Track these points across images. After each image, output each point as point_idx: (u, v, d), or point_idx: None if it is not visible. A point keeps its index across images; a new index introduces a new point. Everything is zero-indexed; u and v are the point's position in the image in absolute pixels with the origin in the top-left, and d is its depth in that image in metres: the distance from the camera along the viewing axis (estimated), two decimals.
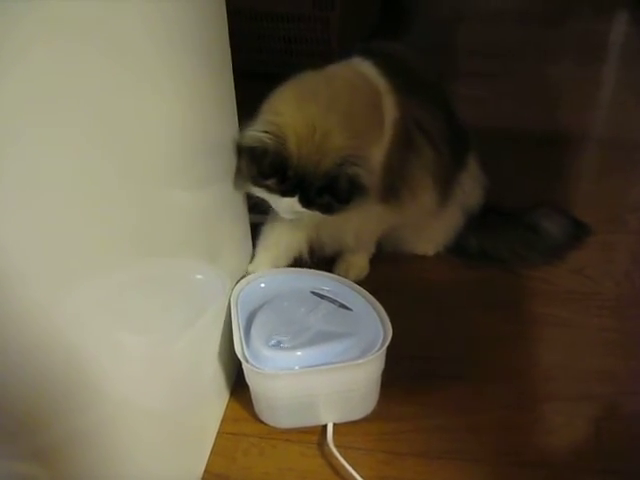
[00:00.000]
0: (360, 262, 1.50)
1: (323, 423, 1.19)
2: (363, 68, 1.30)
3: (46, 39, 0.63)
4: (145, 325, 0.90)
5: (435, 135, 1.35)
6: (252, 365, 1.10)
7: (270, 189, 1.19)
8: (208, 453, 1.17)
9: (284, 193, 1.19)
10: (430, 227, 1.52)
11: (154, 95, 0.87)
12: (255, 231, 1.36)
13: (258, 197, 1.24)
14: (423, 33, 2.71)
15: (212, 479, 1.13)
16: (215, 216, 1.16)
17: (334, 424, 1.18)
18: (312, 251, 1.42)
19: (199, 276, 1.11)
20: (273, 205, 1.24)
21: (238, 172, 1.20)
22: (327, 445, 1.15)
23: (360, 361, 1.10)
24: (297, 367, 1.11)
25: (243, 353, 1.12)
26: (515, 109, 2.18)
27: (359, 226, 1.40)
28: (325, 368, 1.10)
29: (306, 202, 1.19)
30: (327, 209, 1.21)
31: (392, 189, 1.32)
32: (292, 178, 1.16)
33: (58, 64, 0.65)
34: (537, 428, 1.19)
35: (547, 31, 2.74)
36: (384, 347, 1.12)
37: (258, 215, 1.32)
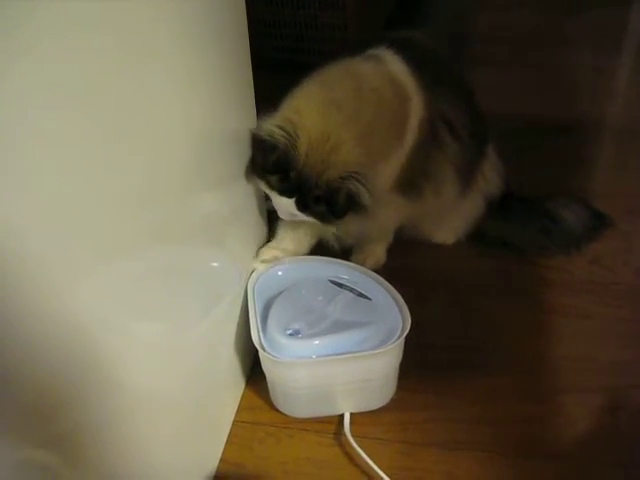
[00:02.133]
0: (378, 251, 1.49)
1: (340, 413, 1.18)
2: (392, 66, 1.26)
3: (63, 35, 0.62)
4: (161, 313, 0.90)
5: (459, 127, 1.34)
6: (269, 353, 1.09)
7: (271, 185, 1.18)
8: (224, 442, 1.16)
9: (282, 192, 1.17)
10: (451, 215, 1.51)
11: (171, 88, 0.87)
12: (271, 218, 1.34)
13: None
14: (440, 21, 2.69)
15: (228, 468, 1.13)
16: (232, 205, 1.16)
17: (351, 414, 1.17)
18: (339, 238, 1.40)
19: (215, 264, 1.10)
20: (273, 202, 1.23)
21: (250, 161, 1.19)
22: (344, 435, 1.14)
23: (378, 350, 1.09)
24: (314, 356, 1.10)
25: (260, 341, 1.11)
26: (533, 97, 2.15)
27: (378, 217, 1.38)
28: (343, 357, 1.09)
29: (302, 206, 1.17)
30: (322, 218, 1.19)
31: (413, 184, 1.31)
32: (293, 180, 1.15)
33: (77, 59, 0.65)
34: (554, 420, 1.18)
35: (565, 19, 2.70)
36: (402, 337, 1.11)
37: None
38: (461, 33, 2.62)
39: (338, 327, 1.13)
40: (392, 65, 1.27)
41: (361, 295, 1.20)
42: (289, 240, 1.35)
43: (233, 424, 1.19)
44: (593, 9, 2.74)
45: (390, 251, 1.51)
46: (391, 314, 1.16)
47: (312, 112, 1.16)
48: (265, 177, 1.18)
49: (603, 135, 2.00)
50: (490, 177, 1.49)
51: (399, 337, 1.11)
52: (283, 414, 1.20)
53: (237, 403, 1.22)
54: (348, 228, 1.31)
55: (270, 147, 1.13)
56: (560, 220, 1.53)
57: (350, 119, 1.15)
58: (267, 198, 1.27)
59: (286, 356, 1.10)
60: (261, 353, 1.10)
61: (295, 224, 1.33)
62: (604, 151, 1.94)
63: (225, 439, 1.17)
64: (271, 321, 1.13)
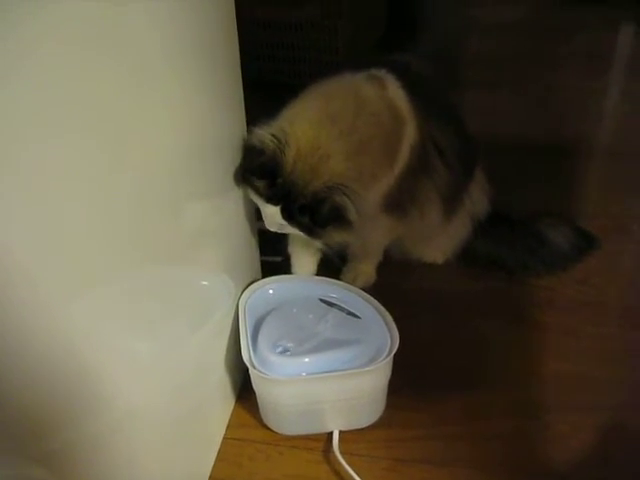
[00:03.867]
0: (367, 270, 1.51)
1: (329, 430, 1.19)
2: (392, 92, 1.28)
3: (56, 46, 0.64)
4: (151, 330, 0.91)
5: (448, 152, 1.37)
6: (258, 371, 1.10)
7: (258, 192, 1.18)
8: (214, 458, 1.17)
9: (269, 199, 1.17)
10: (439, 236, 1.53)
11: (163, 102, 0.87)
12: (262, 238, 1.36)
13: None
14: (429, 44, 2.72)
15: None
16: (222, 223, 1.17)
17: (340, 431, 1.18)
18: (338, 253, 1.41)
19: (205, 282, 1.12)
20: (261, 211, 1.23)
21: (239, 166, 1.20)
22: (333, 452, 1.15)
23: (367, 369, 1.10)
24: (304, 374, 1.11)
25: (250, 359, 1.12)
26: (522, 119, 2.19)
27: (365, 236, 1.40)
28: (332, 375, 1.10)
29: (287, 216, 1.18)
30: (306, 230, 1.19)
31: (400, 206, 1.33)
32: (279, 187, 1.15)
33: (67, 70, 0.65)
34: (543, 437, 1.19)
35: (555, 42, 2.74)
36: (391, 355, 1.12)
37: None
38: (450, 56, 2.65)
39: (328, 345, 1.14)
40: (392, 90, 1.29)
41: (350, 314, 1.22)
42: (302, 266, 1.40)
43: (223, 441, 1.20)
44: (582, 32, 2.79)
45: (380, 270, 1.52)
46: (380, 332, 1.17)
47: (305, 122, 1.17)
48: (252, 183, 1.18)
49: (591, 156, 2.02)
50: (477, 199, 1.52)
51: (387, 355, 1.12)
52: (273, 431, 1.21)
53: (227, 420, 1.23)
54: (331, 243, 1.30)
55: (258, 151, 1.14)
56: (547, 241, 1.55)
57: (343, 134, 1.16)
58: (259, 219, 1.28)
59: (276, 374, 1.11)
60: (251, 371, 1.11)
61: (301, 249, 1.38)
62: (592, 172, 1.96)
63: (215, 456, 1.17)
64: (261, 339, 1.14)
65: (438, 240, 1.54)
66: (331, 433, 1.18)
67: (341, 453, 1.14)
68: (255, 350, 1.14)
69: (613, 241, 1.61)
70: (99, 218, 0.74)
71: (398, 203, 1.32)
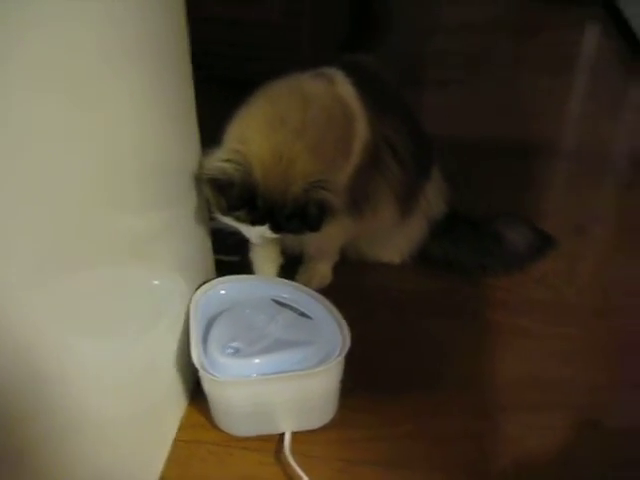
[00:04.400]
0: (323, 270, 1.50)
1: (281, 431, 1.18)
2: (341, 88, 1.28)
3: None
4: (100, 330, 0.90)
5: (402, 151, 1.36)
6: (208, 373, 1.09)
7: (240, 219, 1.18)
8: (164, 460, 1.15)
9: (254, 222, 1.17)
10: (394, 236, 1.52)
11: (106, 100, 0.86)
12: (216, 236, 1.34)
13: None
14: (392, 43, 2.71)
15: None
16: (173, 222, 1.15)
17: (292, 432, 1.17)
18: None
19: (156, 282, 1.10)
20: (244, 232, 1.23)
21: (211, 203, 1.20)
22: (284, 453, 1.14)
23: (317, 369, 1.10)
24: (254, 375, 1.10)
25: (200, 360, 1.11)
26: (484, 118, 2.19)
27: (321, 237, 1.39)
28: (282, 376, 1.10)
29: (276, 229, 1.18)
30: (298, 232, 1.20)
31: (354, 204, 1.33)
32: (261, 207, 1.15)
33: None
34: (498, 438, 1.19)
35: (519, 42, 2.76)
36: (342, 355, 1.12)
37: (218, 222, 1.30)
38: (413, 55, 2.64)
39: (278, 346, 1.13)
40: (341, 86, 1.28)
41: (303, 315, 1.21)
42: (268, 269, 1.42)
43: (174, 442, 1.19)
44: (548, 32, 2.81)
45: (337, 270, 1.52)
46: (331, 334, 1.17)
47: (257, 136, 1.16)
48: (232, 214, 1.17)
49: (552, 157, 2.03)
50: (433, 199, 1.51)
51: (338, 356, 1.11)
52: (224, 433, 1.19)
53: (178, 421, 1.22)
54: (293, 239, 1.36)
55: (227, 184, 1.13)
56: (504, 240, 1.55)
57: (297, 132, 1.16)
58: (212, 219, 1.27)
59: (226, 375, 1.10)
60: (200, 372, 1.10)
61: (262, 252, 1.39)
62: (552, 173, 1.98)
63: (165, 457, 1.16)
64: (211, 340, 1.13)
65: (394, 240, 1.53)
66: (283, 434, 1.17)
67: (292, 454, 1.13)
68: (205, 351, 1.13)
69: (571, 242, 1.62)
70: (45, 217, 0.73)
71: (353, 201, 1.31)
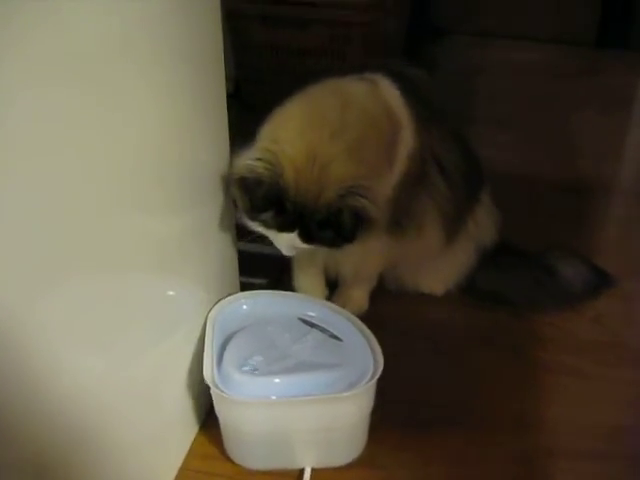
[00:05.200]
0: (359, 297, 1.38)
1: (300, 467, 1.05)
2: (386, 92, 1.19)
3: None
4: (102, 339, 0.82)
5: (450, 168, 1.26)
6: (220, 390, 0.96)
7: (267, 224, 1.08)
8: None
9: (282, 228, 1.07)
10: (439, 263, 1.40)
11: (135, 114, 0.82)
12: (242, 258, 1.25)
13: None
14: (444, 80, 2.63)
15: None
16: (197, 231, 1.06)
17: (312, 469, 1.04)
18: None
19: (172, 291, 1.00)
20: (272, 240, 1.13)
21: (238, 204, 1.10)
22: None
23: (345, 394, 0.97)
24: (273, 396, 0.98)
25: (212, 376, 0.99)
26: (538, 156, 2.08)
27: (359, 258, 1.29)
28: (304, 399, 0.97)
29: (307, 238, 1.07)
30: (331, 244, 1.09)
31: (397, 223, 1.22)
32: (290, 211, 1.05)
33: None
34: None
35: (575, 83, 2.67)
36: (373, 380, 0.99)
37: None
38: (467, 92, 2.56)
39: (303, 367, 1.01)
40: (386, 91, 1.19)
41: (333, 336, 1.09)
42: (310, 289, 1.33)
43: (180, 471, 1.06)
44: (599, 75, 2.75)
45: (374, 298, 1.40)
46: (363, 357, 1.04)
47: (290, 135, 1.07)
48: (259, 217, 1.07)
49: (609, 196, 1.91)
50: (483, 224, 1.40)
51: (369, 381, 0.98)
52: (237, 465, 1.07)
53: (187, 448, 1.10)
54: (330, 261, 1.30)
55: (254, 183, 1.04)
56: (556, 275, 1.42)
57: (334, 133, 1.06)
58: (240, 238, 1.19)
59: (241, 394, 0.97)
60: (212, 390, 0.98)
61: (307, 272, 1.32)
62: (609, 211, 1.85)
63: None
64: (227, 355, 1.02)
65: (438, 268, 1.41)
66: (302, 470, 1.04)
67: None
68: (219, 367, 1.01)
69: (630, 281, 1.48)
70: (61, 223, 0.69)
71: (395, 219, 1.20)
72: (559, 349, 1.31)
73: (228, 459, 1.07)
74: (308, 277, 1.35)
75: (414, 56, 2.73)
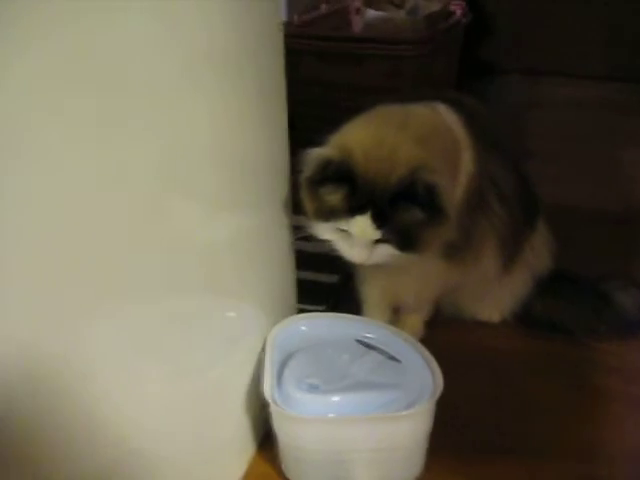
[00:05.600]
0: (415, 323, 1.38)
1: None
2: (446, 115, 1.21)
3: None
4: (165, 361, 0.83)
5: (508, 195, 1.26)
6: (279, 407, 0.97)
7: (336, 210, 1.07)
8: None
9: (354, 210, 1.06)
10: (495, 290, 1.39)
11: (204, 112, 0.84)
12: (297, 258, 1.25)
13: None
14: (496, 114, 2.65)
15: None
16: (256, 257, 1.07)
17: None
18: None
19: (231, 312, 1.01)
20: (340, 246, 1.12)
21: (304, 213, 1.13)
22: None
23: (404, 413, 0.97)
24: (331, 414, 0.97)
25: (272, 394, 0.99)
26: (591, 189, 2.08)
27: (418, 283, 1.30)
28: (362, 417, 0.97)
29: (380, 219, 1.05)
30: (404, 235, 1.07)
31: (455, 247, 1.21)
32: (362, 189, 1.05)
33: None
34: None
35: (626, 119, 2.67)
36: (433, 399, 0.98)
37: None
38: (519, 127, 2.57)
39: (361, 387, 1.01)
40: (446, 115, 1.21)
41: (391, 357, 1.08)
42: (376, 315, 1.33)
43: None
44: None
45: (430, 326, 1.40)
46: (422, 378, 1.04)
47: (360, 129, 1.11)
48: (328, 203, 1.08)
49: None
50: (540, 252, 1.39)
51: (429, 399, 0.98)
52: None
53: (244, 469, 1.10)
54: (392, 285, 1.30)
55: (324, 164, 1.06)
56: (614, 302, 1.40)
57: (401, 127, 1.10)
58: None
59: (299, 412, 0.97)
60: (271, 406, 0.98)
61: (376, 296, 1.33)
62: None
63: None
64: (287, 374, 1.02)
65: (495, 294, 1.40)
66: None
67: None
68: (279, 385, 1.01)
69: None
70: (116, 244, 0.70)
71: (454, 243, 1.20)
72: (621, 377, 1.29)
73: (286, 479, 1.07)
74: (374, 297, 1.36)
75: (465, 92, 2.74)
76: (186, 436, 0.90)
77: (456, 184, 1.16)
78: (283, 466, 1.07)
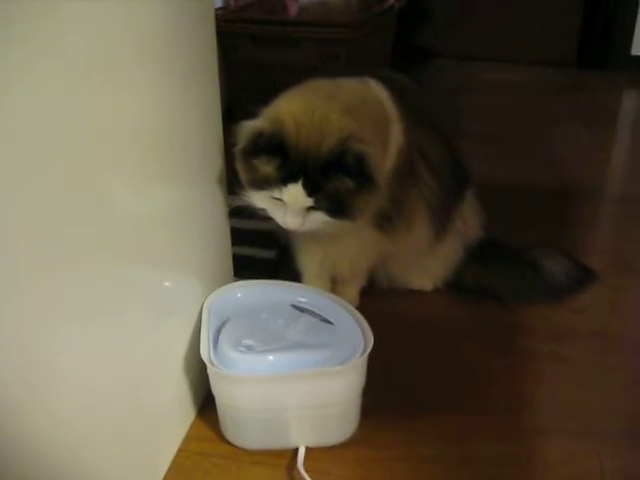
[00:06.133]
0: (351, 293, 1.42)
1: (295, 446, 1.07)
2: (375, 89, 1.25)
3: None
4: (101, 325, 0.84)
5: (437, 165, 1.31)
6: (215, 367, 1.00)
7: (270, 179, 1.10)
8: (164, 471, 1.05)
9: (286, 179, 1.08)
10: (427, 260, 1.44)
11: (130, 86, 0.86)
12: (235, 235, 1.27)
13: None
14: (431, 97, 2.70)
15: None
16: (187, 224, 1.09)
17: (307, 448, 1.06)
18: None
19: (166, 282, 1.03)
20: (274, 214, 1.14)
21: (238, 182, 1.15)
22: (297, 469, 1.03)
23: (337, 368, 1.00)
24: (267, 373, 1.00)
25: (209, 355, 1.02)
26: (522, 167, 2.15)
27: (353, 251, 1.33)
28: (297, 374, 1.00)
29: (312, 187, 1.08)
30: (335, 202, 1.10)
31: (387, 217, 1.25)
32: (293, 158, 1.08)
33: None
34: (534, 462, 1.07)
35: (557, 101, 2.78)
36: (364, 356, 1.02)
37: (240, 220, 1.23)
38: (453, 109, 2.62)
39: (295, 347, 1.04)
40: (376, 90, 1.25)
41: (324, 320, 1.12)
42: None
43: (177, 453, 1.09)
44: (586, 94, 2.86)
45: (364, 295, 1.43)
46: (354, 338, 1.07)
47: (288, 100, 1.15)
48: (261, 173, 1.11)
49: (593, 199, 1.96)
50: (470, 221, 1.44)
51: (361, 355, 1.02)
52: (234, 446, 1.09)
53: (184, 432, 1.12)
54: (328, 255, 1.32)
55: (257, 135, 1.09)
56: (542, 269, 1.46)
57: (331, 98, 1.14)
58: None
59: (236, 371, 1.00)
60: (209, 368, 1.01)
61: (312, 267, 1.35)
62: (593, 214, 1.89)
63: (166, 468, 1.06)
64: (223, 337, 1.05)
65: (427, 264, 1.45)
66: (296, 450, 1.06)
67: (306, 471, 1.02)
68: (216, 348, 1.04)
69: (615, 276, 1.54)
70: (57, 211, 0.72)
71: (386, 214, 1.24)
72: (546, 339, 1.34)
73: (225, 441, 1.10)
74: (311, 268, 1.39)
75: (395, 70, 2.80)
76: (124, 399, 0.92)
77: (386, 155, 1.19)
78: (222, 428, 1.09)
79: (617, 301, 1.48)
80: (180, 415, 1.12)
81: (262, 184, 1.11)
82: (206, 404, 1.15)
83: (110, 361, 0.87)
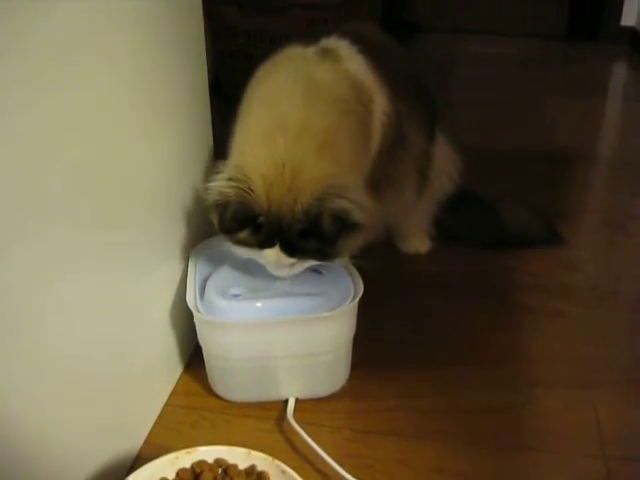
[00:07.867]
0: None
1: (284, 398, 1.05)
2: (348, 62, 1.15)
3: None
4: (88, 279, 0.82)
5: (419, 118, 1.28)
6: (202, 314, 0.97)
7: (247, 243, 1.00)
8: (151, 424, 1.03)
9: (262, 244, 0.99)
10: (415, 219, 1.44)
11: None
12: None
13: None
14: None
15: (151, 450, 0.98)
16: (174, 174, 1.07)
17: (297, 399, 1.05)
18: None
19: (152, 234, 1.01)
20: (265, 264, 1.04)
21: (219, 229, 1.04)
22: (287, 420, 1.01)
23: (326, 314, 0.98)
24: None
25: (195, 304, 0.99)
26: (514, 132, 2.15)
27: None
28: (285, 319, 0.98)
29: (290, 250, 0.99)
30: (320, 255, 1.01)
31: (375, 188, 1.20)
32: (265, 225, 0.98)
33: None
34: (528, 411, 1.06)
35: (546, 72, 2.78)
36: (355, 302, 1.00)
37: None
38: (438, 79, 2.61)
39: (284, 295, 1.02)
40: (350, 62, 1.15)
41: (314, 271, 1.09)
42: None
43: (165, 407, 1.07)
44: (575, 65, 2.88)
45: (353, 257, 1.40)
46: (344, 286, 1.05)
47: (255, 147, 1.02)
48: (237, 238, 1.01)
49: (584, 163, 1.95)
50: (446, 170, 1.43)
51: (351, 302, 0.99)
52: (223, 400, 1.07)
53: (172, 386, 1.10)
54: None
55: (222, 205, 0.98)
56: (500, 218, 1.51)
57: (300, 135, 1.00)
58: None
59: (223, 319, 0.98)
60: (195, 316, 0.99)
61: None
62: (585, 177, 1.89)
63: (153, 421, 1.04)
64: (210, 285, 1.03)
65: (415, 223, 1.46)
66: (286, 401, 1.05)
67: (297, 422, 1.00)
68: (203, 298, 1.01)
69: (603, 234, 1.55)
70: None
71: (373, 185, 1.18)
72: (540, 295, 1.34)
73: (213, 395, 1.08)
74: None
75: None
76: (110, 353, 0.90)
77: (370, 144, 1.15)
78: (210, 382, 1.07)
79: (606, 256, 1.48)
80: (167, 369, 1.10)
81: (239, 244, 1.02)
82: (194, 360, 1.13)
83: (96, 314, 0.85)
